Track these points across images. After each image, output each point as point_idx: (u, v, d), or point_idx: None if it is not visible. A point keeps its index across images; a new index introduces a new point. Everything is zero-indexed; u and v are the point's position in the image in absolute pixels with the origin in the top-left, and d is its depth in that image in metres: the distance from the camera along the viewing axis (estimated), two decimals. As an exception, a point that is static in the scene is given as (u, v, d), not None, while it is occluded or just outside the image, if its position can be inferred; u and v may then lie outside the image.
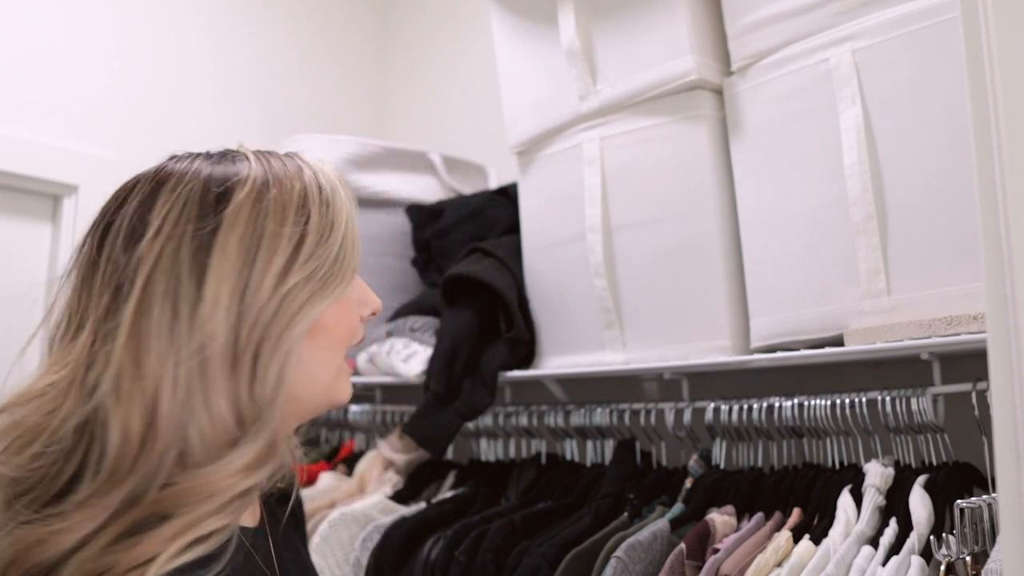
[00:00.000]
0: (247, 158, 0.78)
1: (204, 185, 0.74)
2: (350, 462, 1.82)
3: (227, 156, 0.78)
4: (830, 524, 1.11)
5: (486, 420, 1.61)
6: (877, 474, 1.14)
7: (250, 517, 0.80)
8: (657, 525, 1.21)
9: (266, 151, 0.81)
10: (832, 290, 1.19)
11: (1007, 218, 0.65)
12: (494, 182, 2.01)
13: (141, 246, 0.71)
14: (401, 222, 1.89)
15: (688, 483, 1.33)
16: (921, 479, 1.11)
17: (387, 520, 1.47)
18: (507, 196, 1.73)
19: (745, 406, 1.29)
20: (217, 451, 0.69)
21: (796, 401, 1.24)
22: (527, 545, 1.26)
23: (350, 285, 0.78)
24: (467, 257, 1.65)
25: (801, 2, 1.22)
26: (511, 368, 1.55)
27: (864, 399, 1.19)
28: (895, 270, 1.13)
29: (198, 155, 0.78)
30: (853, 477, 1.17)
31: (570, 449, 1.55)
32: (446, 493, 1.59)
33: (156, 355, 0.68)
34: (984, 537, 0.98)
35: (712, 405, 1.32)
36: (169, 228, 0.71)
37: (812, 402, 1.22)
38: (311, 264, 0.74)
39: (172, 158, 0.79)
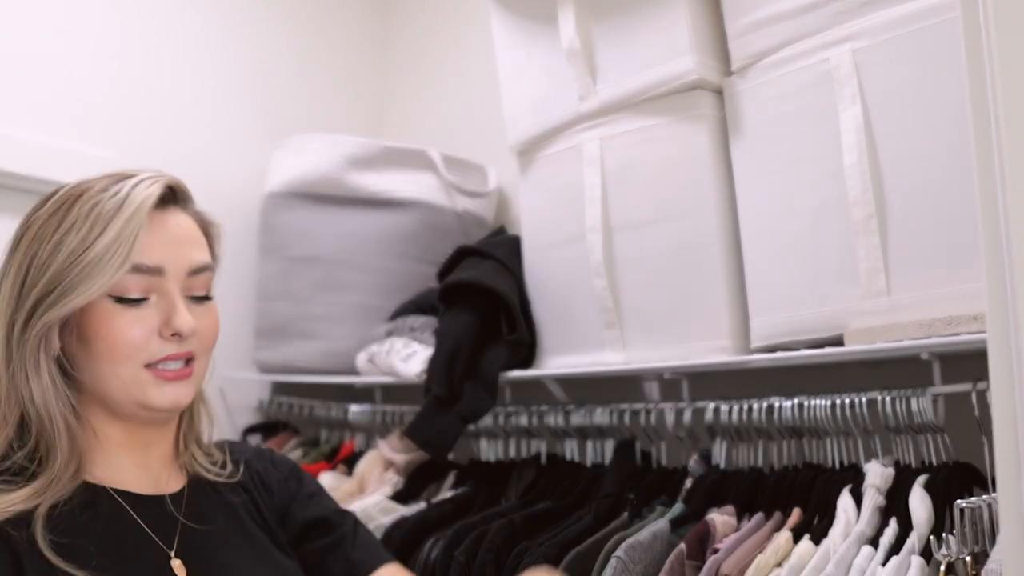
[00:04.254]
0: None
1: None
2: (350, 462, 1.81)
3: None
4: (830, 524, 1.11)
5: (486, 420, 1.61)
6: (877, 474, 1.14)
7: (163, 485, 0.92)
8: (657, 525, 1.21)
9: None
10: (832, 290, 1.18)
11: (1007, 218, 0.65)
12: (494, 182, 2.01)
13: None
14: (401, 222, 1.88)
15: (688, 483, 1.33)
16: (921, 479, 1.11)
17: (387, 520, 1.47)
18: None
19: (745, 406, 1.29)
20: None
21: (796, 401, 1.24)
22: (527, 545, 1.25)
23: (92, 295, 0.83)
24: (461, 261, 1.64)
25: (801, 2, 1.22)
26: (511, 369, 1.55)
27: (864, 399, 1.19)
28: (895, 270, 1.13)
29: None
30: (853, 477, 1.17)
31: (570, 449, 1.55)
32: (446, 493, 1.59)
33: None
34: (984, 537, 0.98)
35: (712, 405, 1.32)
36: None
37: (812, 402, 1.22)
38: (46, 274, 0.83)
39: None
